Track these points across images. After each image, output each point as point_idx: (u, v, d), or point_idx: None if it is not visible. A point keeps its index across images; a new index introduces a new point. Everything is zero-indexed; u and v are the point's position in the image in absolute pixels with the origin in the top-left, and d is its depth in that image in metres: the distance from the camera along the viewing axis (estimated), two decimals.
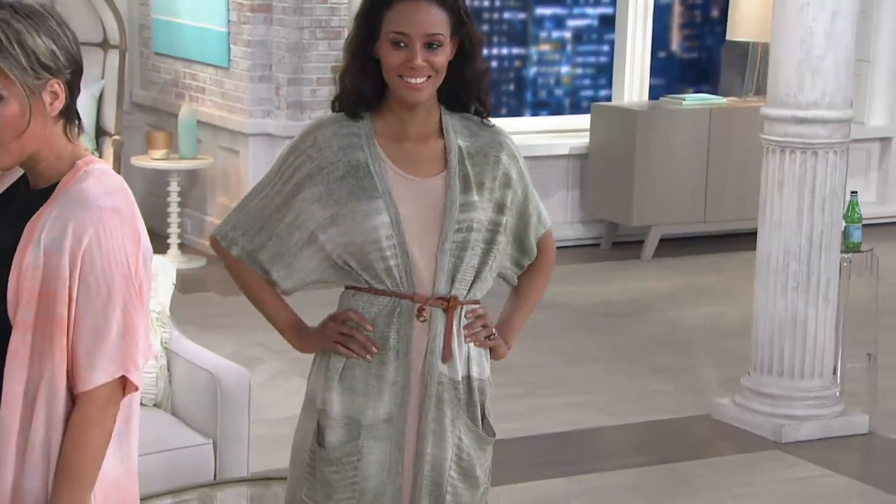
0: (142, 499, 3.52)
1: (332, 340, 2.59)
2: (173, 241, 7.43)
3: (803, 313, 5.09)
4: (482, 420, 2.65)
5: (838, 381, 5.27)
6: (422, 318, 2.55)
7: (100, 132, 7.46)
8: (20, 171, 2.28)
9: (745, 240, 7.08)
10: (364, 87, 2.57)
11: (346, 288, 2.63)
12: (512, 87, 9.30)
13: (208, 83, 7.65)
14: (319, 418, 2.62)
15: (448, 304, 2.56)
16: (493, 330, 2.67)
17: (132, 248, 2.21)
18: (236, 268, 2.67)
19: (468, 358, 2.61)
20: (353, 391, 2.59)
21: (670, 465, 4.85)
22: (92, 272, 2.18)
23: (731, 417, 5.25)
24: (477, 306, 2.62)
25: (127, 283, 2.20)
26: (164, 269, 4.10)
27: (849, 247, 5.29)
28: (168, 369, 4.01)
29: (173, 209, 7.43)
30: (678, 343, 6.26)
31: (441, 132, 2.60)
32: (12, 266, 2.18)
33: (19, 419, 2.20)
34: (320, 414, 2.62)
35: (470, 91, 2.61)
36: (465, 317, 2.60)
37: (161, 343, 4.02)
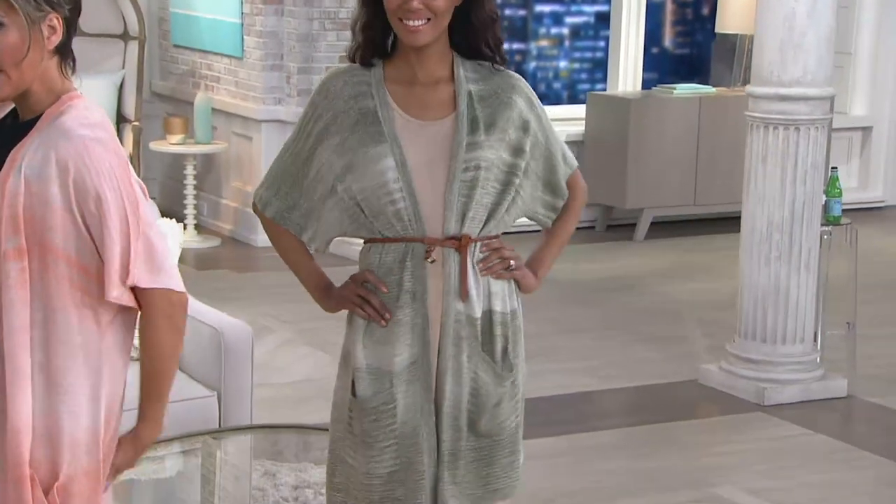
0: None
1: (350, 302, 2.52)
2: (189, 221, 7.37)
3: (785, 282, 5.01)
4: (503, 354, 2.52)
5: (819, 347, 5.19)
6: (431, 260, 2.46)
7: (120, 119, 7.42)
8: (10, 106, 2.22)
9: (733, 221, 6.97)
10: (373, 34, 2.50)
11: (365, 243, 2.55)
12: None
13: (223, 73, 7.60)
14: (353, 373, 2.53)
15: (460, 244, 2.46)
16: (512, 262, 2.54)
17: (122, 174, 2.15)
18: (272, 229, 2.60)
19: (489, 293, 2.49)
20: (379, 342, 2.50)
21: (656, 426, 4.79)
22: (87, 199, 2.12)
23: (716, 382, 5.17)
24: (492, 240, 2.51)
25: (126, 202, 2.14)
26: (170, 231, 4.03)
27: (829, 220, 5.21)
28: None
29: (189, 192, 7.37)
30: (667, 315, 6.18)
31: (452, 77, 2.51)
32: None
33: (30, 343, 2.13)
34: (354, 370, 2.53)
35: (478, 36, 2.51)
36: (480, 251, 2.49)
37: None
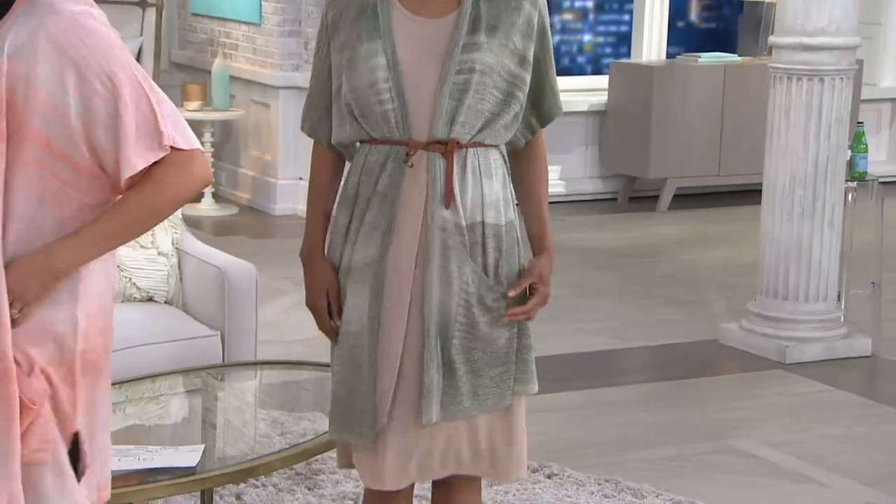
0: (154, 376, 3.43)
1: (311, 304, 2.47)
2: (207, 190, 7.30)
3: (808, 239, 4.89)
4: (496, 267, 2.43)
5: (842, 306, 5.06)
6: (409, 164, 2.38)
7: None
8: None
9: (758, 194, 6.89)
10: None
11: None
12: None
13: (241, 39, 7.53)
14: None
15: (446, 148, 2.37)
16: (530, 311, 2.47)
17: (121, 44, 2.04)
18: (313, 151, 2.54)
19: (481, 203, 2.40)
20: (345, 237, 2.46)
21: (675, 382, 4.69)
22: (90, 79, 2.00)
23: (737, 341, 5.05)
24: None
25: (135, 70, 2.03)
26: None
27: (854, 176, 5.08)
28: (179, 268, 3.88)
29: (207, 159, 7.30)
30: (688, 280, 6.08)
31: None
32: None
33: (3, 234, 2.03)
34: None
35: None
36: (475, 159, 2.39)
37: (172, 243, 3.88)
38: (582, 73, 8.94)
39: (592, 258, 6.42)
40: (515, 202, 2.51)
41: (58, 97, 2.00)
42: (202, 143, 7.37)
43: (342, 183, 2.49)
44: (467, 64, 2.36)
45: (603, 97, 7.77)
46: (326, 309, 2.44)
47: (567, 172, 7.74)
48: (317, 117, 2.50)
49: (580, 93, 7.96)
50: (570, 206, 7.57)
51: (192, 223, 6.81)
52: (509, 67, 2.40)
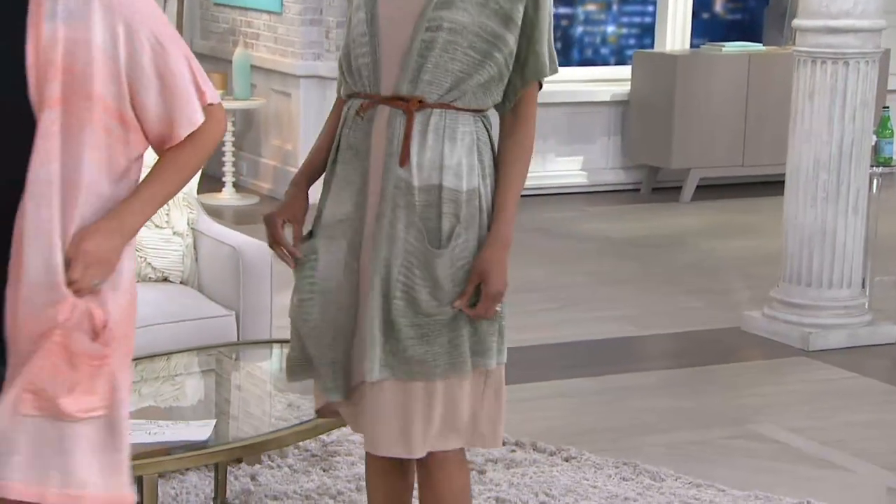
0: (169, 354, 3.42)
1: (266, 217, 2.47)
2: (228, 179, 7.30)
3: (832, 224, 4.83)
4: (450, 234, 2.36)
5: (867, 293, 4.99)
6: (360, 116, 2.37)
7: None
8: None
9: (782, 185, 6.82)
10: None
11: None
12: (559, 45, 9.08)
13: (262, 29, 7.52)
14: None
15: (408, 106, 2.34)
16: (481, 313, 2.37)
17: (157, 5, 2.11)
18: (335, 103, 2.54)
19: (441, 166, 2.36)
20: (325, 191, 2.46)
21: (695, 369, 4.64)
22: (142, 40, 2.05)
23: (759, 328, 4.99)
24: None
25: (173, 31, 2.10)
26: None
27: (880, 161, 5.01)
28: (194, 248, 3.85)
29: (228, 149, 7.29)
30: (711, 269, 6.02)
31: None
32: (27, 42, 2.01)
33: (53, 195, 2.03)
34: None
35: None
36: (443, 120, 2.34)
37: (188, 223, 3.86)
38: (605, 64, 8.88)
39: (613, 248, 6.37)
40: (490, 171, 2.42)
41: (111, 55, 2.04)
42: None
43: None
44: (436, 21, 2.33)
45: (626, 87, 7.71)
46: (278, 229, 2.44)
47: (589, 163, 7.69)
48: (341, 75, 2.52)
49: (603, 83, 7.92)
50: (591, 196, 7.52)
51: (213, 212, 6.80)
52: (490, 27, 2.35)
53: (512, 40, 2.38)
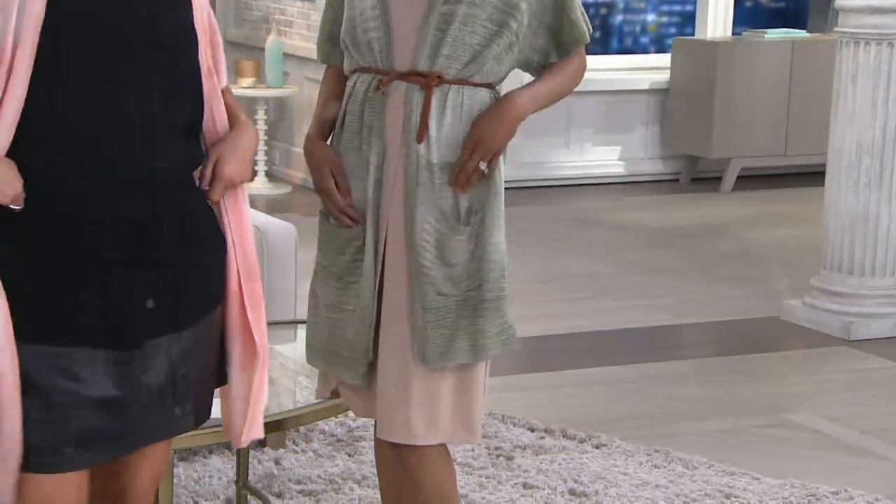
0: None
1: (317, 188, 2.44)
2: (260, 169, 7.30)
3: (875, 210, 4.75)
4: (468, 214, 2.36)
5: None
6: (381, 92, 2.33)
7: None
8: None
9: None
10: None
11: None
12: (597, 33, 9.03)
13: (296, 16, 7.51)
14: None
15: (425, 81, 2.31)
16: (482, 165, 2.33)
17: None
18: (325, 72, 2.51)
19: (458, 144, 2.33)
20: (348, 173, 2.40)
21: (731, 357, 4.58)
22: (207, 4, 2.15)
23: (799, 318, 4.92)
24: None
25: None
26: None
27: None
28: None
29: (260, 137, 7.30)
30: (750, 258, 5.95)
31: None
32: (193, 10, 2.08)
33: None
34: None
35: None
36: (460, 98, 2.33)
37: None
38: (645, 53, 8.81)
39: (651, 237, 6.31)
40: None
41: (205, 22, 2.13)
42: (255, 120, 7.39)
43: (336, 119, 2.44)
44: None
45: (665, 75, 7.64)
46: (334, 189, 2.38)
47: (627, 153, 7.63)
48: (330, 46, 2.47)
49: (641, 71, 7.85)
50: (630, 186, 7.46)
51: None
52: None
53: (524, 5, 2.35)
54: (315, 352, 2.52)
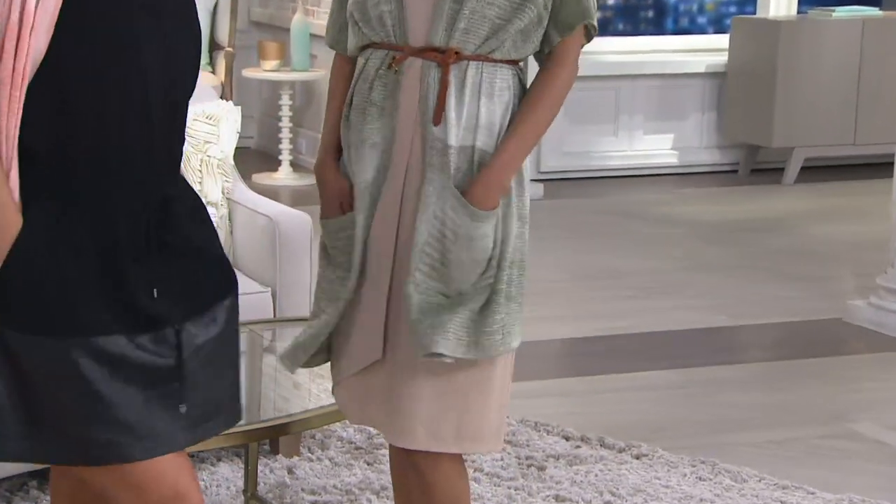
0: None
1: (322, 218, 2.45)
2: (285, 157, 7.28)
3: None
4: None
5: None
6: (394, 70, 2.30)
7: (213, 46, 7.37)
8: None
9: None
10: None
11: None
12: (651, 13, 8.95)
13: None
14: None
15: (443, 58, 2.28)
16: None
17: None
18: (333, 62, 2.49)
19: (476, 125, 2.31)
20: (352, 159, 2.38)
21: (789, 362, 4.51)
22: None
23: (864, 319, 4.84)
24: None
25: None
26: (228, 115, 3.89)
27: None
28: (229, 220, 3.82)
29: (285, 124, 7.28)
30: (812, 255, 5.87)
31: None
32: None
33: None
34: None
35: None
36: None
37: (222, 192, 3.82)
38: (702, 33, 8.73)
39: (706, 232, 6.25)
40: None
41: None
42: (279, 106, 7.38)
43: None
44: None
45: (723, 57, 7.57)
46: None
47: (681, 141, 7.56)
48: (337, 30, 2.45)
49: (697, 53, 7.78)
50: (683, 178, 7.39)
51: (269, 193, 6.78)
52: None
53: None
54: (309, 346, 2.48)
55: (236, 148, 8.45)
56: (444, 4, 2.28)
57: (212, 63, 7.34)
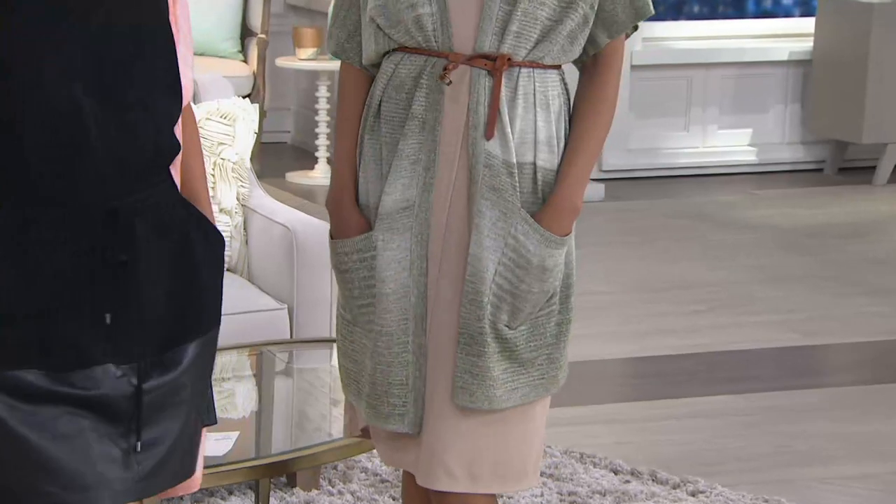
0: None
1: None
2: (321, 155, 7.29)
3: None
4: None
5: None
6: (447, 81, 2.27)
7: (245, 32, 7.41)
8: None
9: None
10: None
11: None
12: None
13: None
14: None
15: (494, 65, 2.27)
16: None
17: None
18: (341, 73, 2.45)
19: (535, 140, 2.30)
20: (374, 176, 2.34)
21: (872, 387, 4.47)
22: None
23: None
24: None
25: None
26: (244, 114, 3.89)
27: None
28: (244, 229, 3.83)
29: (322, 118, 7.29)
30: None
31: None
32: None
33: None
34: None
35: None
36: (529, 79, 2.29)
37: (238, 199, 3.83)
38: (787, 16, 8.65)
39: (785, 239, 6.22)
40: None
41: None
42: (316, 98, 7.40)
43: (366, 103, 2.37)
44: None
45: (808, 43, 7.52)
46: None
47: (760, 136, 7.50)
48: (345, 35, 2.40)
49: (779, 38, 7.72)
50: (762, 177, 7.34)
51: (304, 193, 6.83)
52: None
53: None
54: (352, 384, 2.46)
55: (271, 143, 8.51)
56: (493, 6, 2.27)
57: (243, 51, 7.37)
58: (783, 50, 7.54)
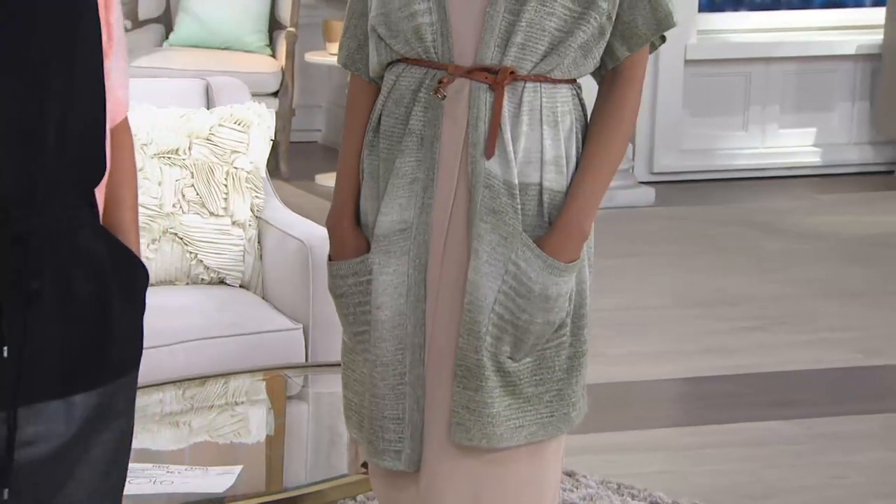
0: (214, 376, 3.46)
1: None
2: None
3: None
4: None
5: None
6: (441, 95, 2.27)
7: (273, 25, 7.44)
8: None
9: None
10: None
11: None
12: None
13: None
14: None
15: (495, 78, 2.27)
16: None
17: None
18: (350, 85, 2.48)
19: (541, 159, 2.29)
20: (371, 195, 2.35)
21: None
22: None
23: None
24: None
25: None
26: (260, 120, 3.91)
27: None
28: (259, 243, 3.85)
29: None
30: None
31: None
32: None
33: None
34: None
35: None
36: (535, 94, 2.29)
37: (252, 210, 3.85)
38: (857, 6, 8.61)
39: (849, 248, 6.22)
40: None
41: None
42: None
43: (369, 118, 2.38)
44: None
45: (878, 36, 7.49)
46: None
47: (825, 137, 7.48)
48: (355, 45, 2.42)
49: (846, 31, 7.70)
50: (827, 180, 7.33)
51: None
52: None
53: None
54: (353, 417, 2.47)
55: (300, 143, 8.56)
56: (496, 14, 2.27)
57: (271, 45, 7.40)
58: (851, 43, 7.50)
